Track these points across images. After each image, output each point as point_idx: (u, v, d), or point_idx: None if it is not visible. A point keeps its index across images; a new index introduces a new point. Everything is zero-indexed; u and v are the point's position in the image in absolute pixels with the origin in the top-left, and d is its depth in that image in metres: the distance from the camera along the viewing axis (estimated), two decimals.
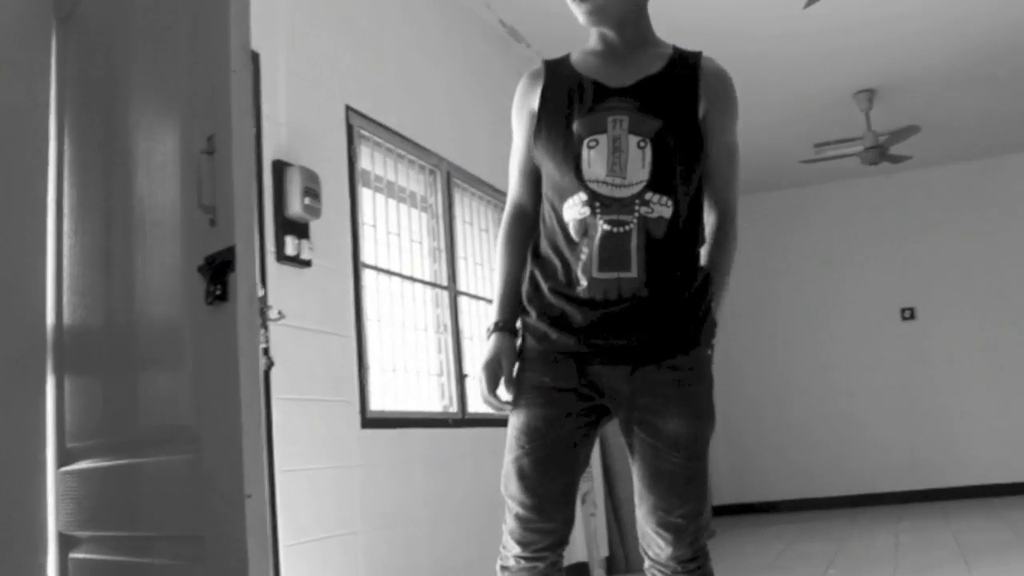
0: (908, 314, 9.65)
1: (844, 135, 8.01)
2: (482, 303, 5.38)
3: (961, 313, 9.43)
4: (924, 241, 9.64)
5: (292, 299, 3.59)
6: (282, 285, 3.55)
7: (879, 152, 7.57)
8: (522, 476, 1.99)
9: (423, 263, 4.81)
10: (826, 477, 9.60)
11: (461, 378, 4.90)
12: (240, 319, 1.84)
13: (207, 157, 1.90)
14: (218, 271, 1.86)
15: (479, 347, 5.26)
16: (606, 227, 1.95)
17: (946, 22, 6.40)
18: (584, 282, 1.97)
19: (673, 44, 2.15)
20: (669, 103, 2.01)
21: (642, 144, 1.96)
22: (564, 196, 2.00)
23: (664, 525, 1.97)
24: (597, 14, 2.04)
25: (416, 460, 4.34)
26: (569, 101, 2.04)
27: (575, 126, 2.00)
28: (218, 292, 1.87)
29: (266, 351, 3.33)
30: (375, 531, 3.91)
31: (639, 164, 1.96)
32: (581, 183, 1.97)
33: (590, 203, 1.96)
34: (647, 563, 2.04)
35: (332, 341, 3.84)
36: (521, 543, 2.00)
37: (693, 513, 1.97)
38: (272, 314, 3.32)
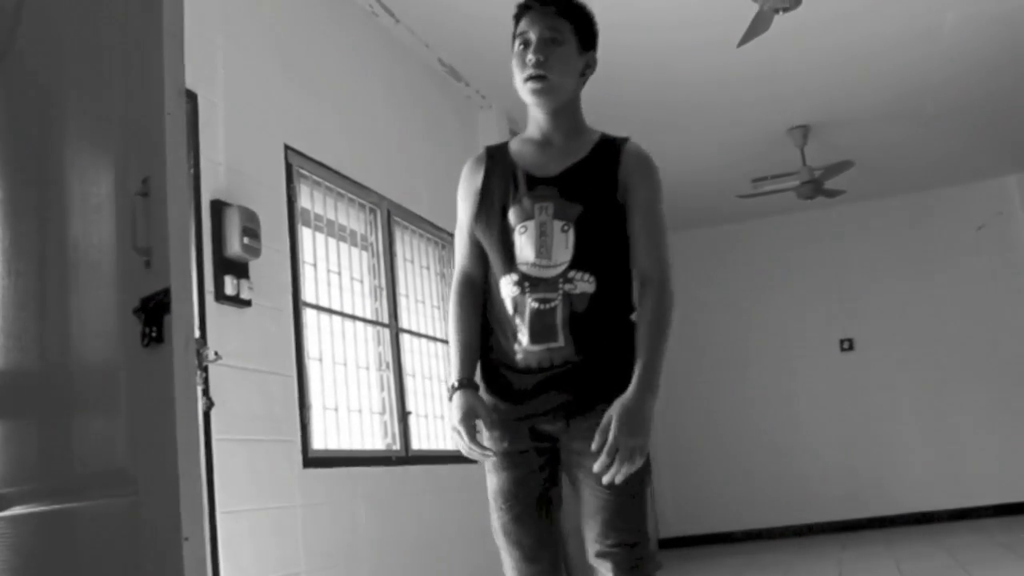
0: (847, 345, 9.81)
1: (780, 170, 8.17)
2: (424, 340, 5.39)
3: (898, 343, 9.61)
4: (861, 273, 9.82)
5: (232, 339, 3.57)
6: (222, 325, 3.54)
7: (815, 187, 7.73)
8: (506, 532, 2.26)
9: (364, 301, 4.81)
10: (769, 507, 9.68)
11: (404, 416, 4.89)
12: (176, 361, 1.83)
13: (142, 199, 1.89)
14: (153, 313, 1.86)
15: (422, 384, 5.26)
16: (534, 304, 2.19)
17: (876, 61, 6.58)
18: (520, 354, 2.21)
19: (602, 132, 2.36)
20: (589, 189, 2.22)
21: (565, 228, 2.19)
22: (500, 275, 2.24)
23: (601, 555, 2.15)
24: (548, 93, 2.25)
25: (359, 499, 4.32)
26: (505, 190, 2.27)
27: (509, 214, 2.24)
28: (154, 334, 1.86)
29: (205, 392, 3.31)
30: (318, 571, 3.88)
31: (563, 246, 2.19)
32: (513, 265, 2.21)
33: (520, 283, 2.20)
34: None
35: (273, 380, 3.82)
36: None
37: (626, 542, 2.14)
38: (209, 355, 3.30)
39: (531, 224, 2.19)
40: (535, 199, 2.22)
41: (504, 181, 2.28)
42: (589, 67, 2.33)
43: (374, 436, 4.69)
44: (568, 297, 2.17)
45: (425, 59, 5.85)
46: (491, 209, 2.27)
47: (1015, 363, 9.27)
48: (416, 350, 5.28)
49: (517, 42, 2.27)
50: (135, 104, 1.99)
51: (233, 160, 3.78)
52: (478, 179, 2.33)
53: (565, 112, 2.31)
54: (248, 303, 3.69)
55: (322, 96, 4.65)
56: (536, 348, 2.18)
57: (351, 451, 4.38)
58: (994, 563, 5.90)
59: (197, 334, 3.28)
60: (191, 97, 3.53)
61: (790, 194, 8.34)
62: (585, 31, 2.31)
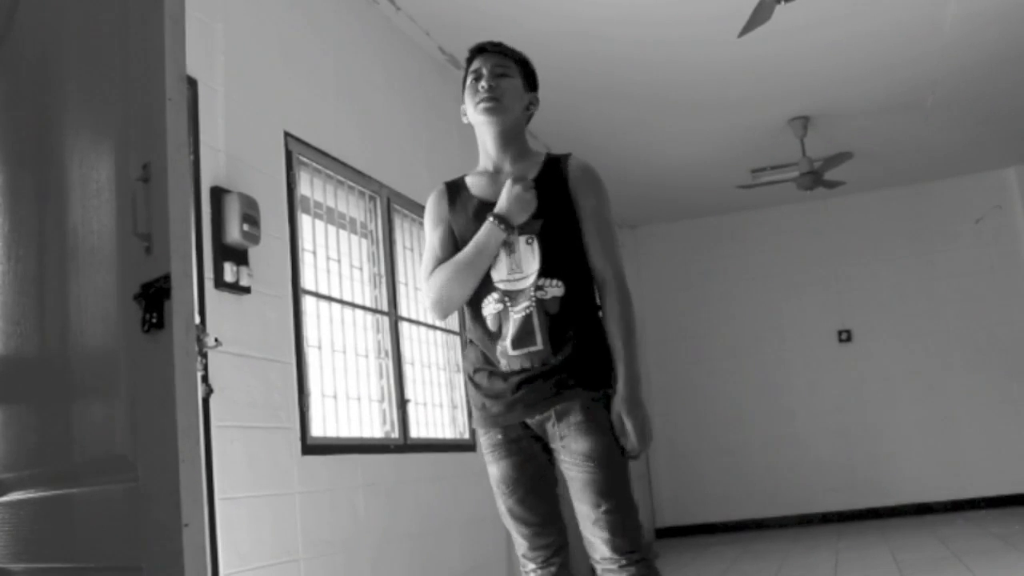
0: (845, 336, 9.82)
1: (780, 161, 8.17)
2: (423, 328, 5.39)
3: (896, 335, 9.63)
4: (859, 264, 9.83)
5: (231, 326, 3.57)
6: (221, 312, 3.54)
7: (814, 178, 7.73)
8: (513, 514, 2.50)
9: (363, 289, 4.81)
10: (766, 498, 9.71)
11: (403, 403, 4.90)
12: (177, 347, 1.83)
13: (142, 185, 1.89)
14: (154, 299, 1.85)
15: (420, 372, 5.26)
16: (516, 315, 2.45)
17: (876, 53, 6.57)
18: (504, 361, 2.46)
19: (547, 150, 2.64)
20: (545, 203, 2.48)
21: (529, 241, 2.46)
22: (480, 297, 2.50)
23: (596, 523, 2.38)
24: (499, 113, 2.54)
25: (358, 486, 4.32)
26: (467, 222, 2.53)
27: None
28: (154, 320, 1.85)
29: (205, 378, 3.31)
30: (317, 558, 3.88)
31: (531, 257, 2.46)
32: (491, 285, 2.48)
33: (501, 299, 2.47)
34: (599, 569, 2.42)
35: (272, 368, 3.82)
36: (531, 559, 2.50)
37: (617, 509, 2.38)
38: (209, 341, 3.30)
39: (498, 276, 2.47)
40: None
41: (465, 214, 2.55)
42: (532, 104, 2.67)
43: (373, 424, 4.70)
44: (541, 303, 2.43)
45: (425, 47, 5.84)
46: (460, 242, 2.53)
47: (1012, 355, 9.29)
48: (415, 338, 5.28)
49: (470, 77, 2.61)
50: (136, 90, 1.99)
51: (233, 147, 3.78)
52: (443, 210, 2.60)
53: (513, 140, 2.59)
54: (247, 290, 3.69)
55: (322, 83, 4.64)
56: (518, 353, 2.44)
57: (350, 439, 4.39)
58: (989, 554, 5.93)
59: (197, 320, 3.28)
60: (191, 83, 3.52)
61: (789, 185, 8.34)
62: (528, 74, 2.67)
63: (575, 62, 6.24)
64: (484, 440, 2.53)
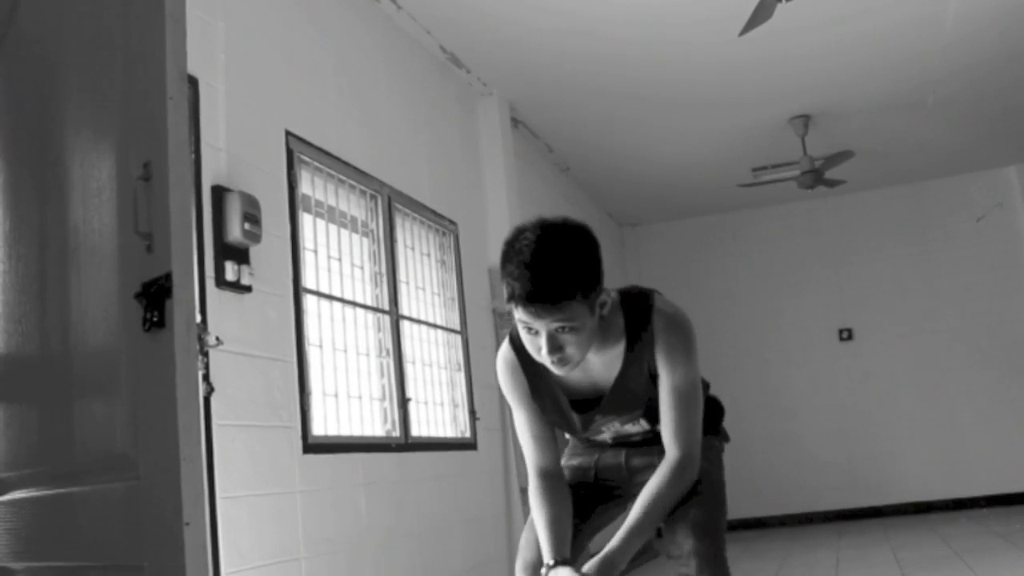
0: (846, 335, 9.82)
1: (781, 160, 8.16)
2: (424, 327, 5.39)
3: (897, 333, 9.62)
4: (860, 263, 9.82)
5: (232, 325, 3.57)
6: (222, 311, 3.54)
7: (815, 176, 7.73)
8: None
9: (364, 288, 4.81)
10: (767, 496, 9.70)
11: (404, 402, 4.89)
12: (178, 346, 1.83)
13: (143, 183, 1.89)
14: (155, 297, 1.85)
15: (421, 371, 5.26)
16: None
17: (877, 52, 6.57)
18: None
19: (621, 304, 2.27)
20: (642, 396, 2.30)
21: (633, 423, 2.37)
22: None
23: (684, 519, 2.27)
24: (574, 366, 2.17)
25: (359, 485, 4.32)
26: (560, 416, 2.38)
27: (574, 436, 2.51)
28: (155, 319, 1.85)
29: (206, 377, 3.31)
30: (318, 557, 3.88)
31: (634, 426, 2.38)
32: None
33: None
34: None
35: (273, 366, 3.82)
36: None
37: (708, 507, 2.32)
38: (210, 340, 3.30)
39: (602, 438, 2.44)
40: (595, 426, 2.39)
41: (555, 404, 2.36)
42: (603, 304, 2.14)
43: (374, 422, 4.69)
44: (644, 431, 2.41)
45: (427, 46, 5.83)
46: (557, 425, 2.41)
47: (1014, 354, 9.28)
48: (416, 337, 5.28)
49: (521, 324, 2.09)
50: (137, 88, 1.99)
51: (234, 146, 3.77)
52: (525, 387, 2.34)
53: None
54: (249, 289, 3.69)
55: (323, 82, 4.63)
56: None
57: (351, 437, 4.38)
58: (990, 553, 5.92)
59: (198, 319, 3.28)
60: (192, 82, 3.52)
61: (790, 183, 8.34)
62: (591, 288, 2.06)
63: (575, 61, 6.23)
64: (573, 443, 2.58)
